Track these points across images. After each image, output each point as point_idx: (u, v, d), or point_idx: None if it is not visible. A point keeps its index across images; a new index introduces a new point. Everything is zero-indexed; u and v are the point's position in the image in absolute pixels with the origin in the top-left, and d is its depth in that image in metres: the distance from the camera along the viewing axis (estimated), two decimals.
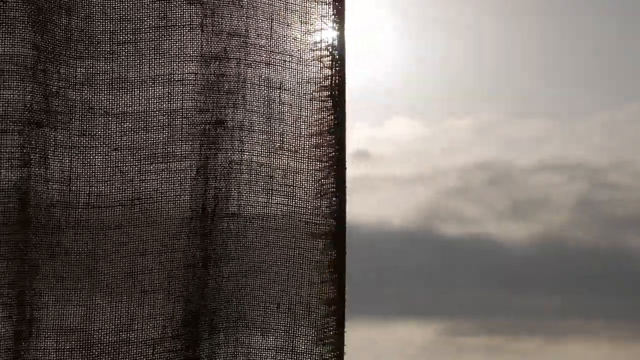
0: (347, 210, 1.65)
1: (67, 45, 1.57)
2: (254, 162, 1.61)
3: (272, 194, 1.61)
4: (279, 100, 1.62)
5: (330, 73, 1.60)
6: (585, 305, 6.37)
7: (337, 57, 1.61)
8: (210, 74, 1.60)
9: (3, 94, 1.55)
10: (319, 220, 1.62)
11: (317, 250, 1.61)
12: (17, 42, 1.55)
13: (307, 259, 1.61)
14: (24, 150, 1.55)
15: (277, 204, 1.61)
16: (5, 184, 1.54)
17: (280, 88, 1.62)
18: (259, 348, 1.62)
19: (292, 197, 1.62)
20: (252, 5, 1.61)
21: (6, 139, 1.55)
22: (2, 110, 1.55)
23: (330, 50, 1.62)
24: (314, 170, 1.62)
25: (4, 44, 1.55)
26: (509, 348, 6.31)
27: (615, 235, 6.55)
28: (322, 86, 1.62)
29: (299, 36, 1.63)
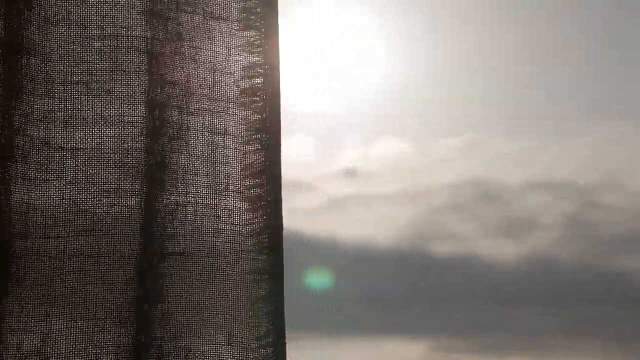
0: (282, 244, 1.74)
1: (27, 82, 1.66)
2: (199, 203, 1.70)
3: (218, 233, 1.70)
4: (223, 145, 1.71)
5: (261, 116, 1.70)
6: (574, 322, 6.42)
7: (269, 98, 1.71)
8: (156, 119, 1.69)
9: None
10: (256, 256, 1.70)
11: (253, 284, 1.70)
12: None
13: (249, 293, 1.70)
14: None
15: (222, 242, 1.70)
16: None
17: (224, 134, 1.72)
18: None
19: (235, 235, 1.71)
20: (193, 58, 1.70)
21: None
22: None
23: (261, 93, 1.72)
24: (252, 209, 1.71)
25: None
26: None
27: (603, 253, 6.60)
28: (256, 128, 1.71)
29: (240, 83, 1.72)
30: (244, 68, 1.72)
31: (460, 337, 6.74)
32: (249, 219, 1.71)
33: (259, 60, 1.73)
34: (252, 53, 1.73)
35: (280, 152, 1.72)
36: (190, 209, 1.69)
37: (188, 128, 1.70)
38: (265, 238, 1.71)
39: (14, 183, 1.65)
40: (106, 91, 1.68)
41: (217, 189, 1.70)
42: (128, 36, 1.67)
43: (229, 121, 1.72)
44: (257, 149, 1.71)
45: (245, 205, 1.71)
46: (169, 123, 1.69)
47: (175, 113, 1.69)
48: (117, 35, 1.67)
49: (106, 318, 1.66)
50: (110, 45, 1.67)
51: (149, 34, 1.68)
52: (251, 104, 1.72)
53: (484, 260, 6.60)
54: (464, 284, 6.63)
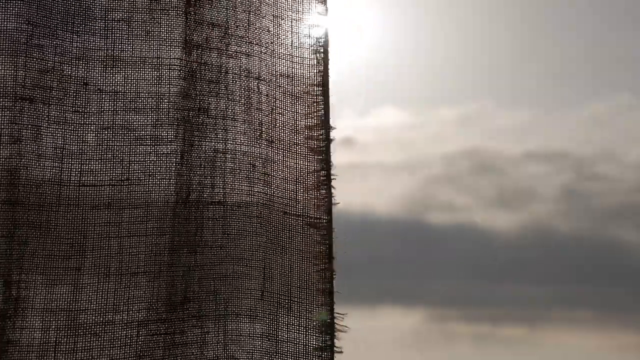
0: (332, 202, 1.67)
1: (64, 19, 1.56)
2: (238, 151, 1.61)
3: (255, 182, 1.62)
4: (258, 91, 1.63)
5: (314, 71, 1.62)
6: (571, 295, 6.38)
7: (321, 54, 1.62)
8: (193, 62, 1.59)
9: None
10: (313, 213, 1.62)
11: (312, 241, 1.62)
12: (10, 17, 1.53)
13: (298, 249, 1.61)
14: (15, 127, 1.53)
15: (259, 192, 1.61)
16: None
17: (258, 79, 1.63)
18: (247, 335, 1.62)
19: (276, 186, 1.63)
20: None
21: None
22: None
23: (314, 46, 1.63)
24: (300, 161, 1.63)
25: None
26: (495, 336, 6.32)
27: (601, 225, 6.56)
28: (310, 83, 1.63)
29: (275, 29, 1.64)
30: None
31: (455, 307, 6.67)
32: (302, 170, 1.63)
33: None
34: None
35: (329, 108, 1.64)
36: (229, 156, 1.61)
37: (227, 71, 1.61)
38: (321, 194, 1.63)
39: (46, 127, 1.55)
40: (145, 31, 1.58)
41: (254, 137, 1.62)
42: None
43: (263, 67, 1.64)
44: (313, 102, 1.64)
45: (293, 157, 1.63)
46: (208, 65, 1.60)
47: (215, 55, 1.60)
48: None
49: (139, 273, 1.58)
50: None
51: None
52: (303, 55, 1.64)
53: (481, 230, 6.53)
54: (460, 254, 6.57)
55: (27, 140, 1.53)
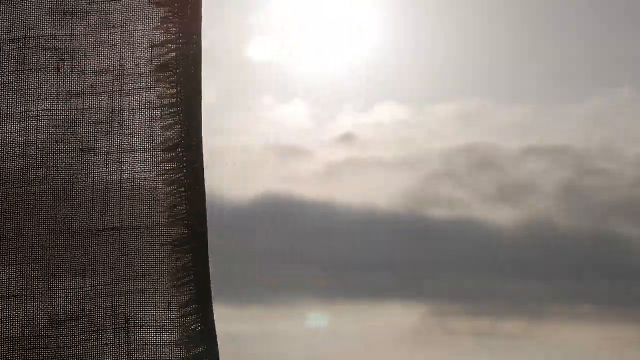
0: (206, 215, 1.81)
1: None
2: (136, 179, 1.77)
3: (141, 207, 1.78)
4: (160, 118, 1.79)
5: (174, 91, 1.77)
6: (570, 289, 6.44)
7: (180, 73, 1.77)
8: (72, 109, 1.76)
9: None
10: (167, 230, 1.78)
11: (166, 257, 1.78)
12: None
13: (159, 268, 1.78)
14: None
15: (145, 215, 1.78)
16: None
17: (160, 107, 1.79)
18: (154, 343, 1.78)
19: (145, 208, 1.79)
20: (112, 42, 1.77)
21: None
22: None
23: (175, 66, 1.79)
24: (169, 182, 1.79)
25: None
26: (494, 330, 6.40)
27: (600, 220, 6.61)
28: (170, 102, 1.78)
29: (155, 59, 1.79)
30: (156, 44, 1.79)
31: (457, 302, 6.77)
32: (169, 191, 1.79)
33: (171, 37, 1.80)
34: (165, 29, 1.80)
35: (197, 124, 1.79)
36: (123, 184, 1.77)
37: (121, 109, 1.77)
38: (183, 209, 1.79)
39: None
40: (11, 90, 1.76)
41: (144, 165, 1.78)
42: (36, 36, 1.75)
43: (148, 97, 1.80)
44: (170, 124, 1.79)
45: (163, 180, 1.79)
46: (93, 109, 1.76)
47: (104, 97, 1.76)
48: (25, 37, 1.75)
49: (10, 295, 1.75)
50: (17, 48, 1.76)
51: (60, 32, 1.75)
52: (166, 79, 1.79)
53: (481, 225, 6.63)
54: (461, 249, 6.67)
55: None
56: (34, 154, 1.77)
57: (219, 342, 1.83)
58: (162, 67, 1.78)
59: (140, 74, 1.77)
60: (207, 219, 1.81)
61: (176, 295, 1.78)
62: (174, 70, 1.78)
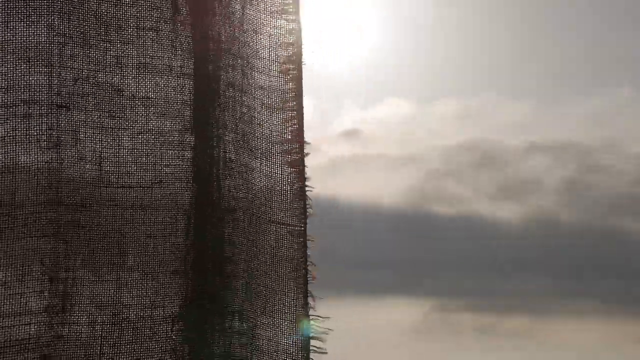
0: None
1: (97, 29, 1.63)
2: (228, 159, 1.71)
3: (239, 189, 1.71)
4: (241, 102, 1.73)
5: (288, 86, 1.71)
6: (573, 285, 6.45)
7: (294, 71, 1.71)
8: (210, 75, 1.69)
9: (29, 80, 1.61)
10: (288, 220, 1.71)
11: (287, 246, 1.70)
12: (42, 31, 1.60)
13: (272, 254, 1.70)
14: (53, 133, 1.61)
15: (242, 198, 1.70)
16: (36, 165, 1.60)
17: (241, 91, 1.72)
18: (236, 331, 1.71)
19: (254, 194, 1.71)
20: (239, 20, 1.71)
21: (32, 123, 1.60)
22: (27, 96, 1.61)
23: (287, 63, 1.72)
24: (277, 171, 1.72)
25: (29, 33, 1.61)
26: (497, 326, 6.38)
27: (603, 216, 6.62)
28: (283, 98, 1.71)
29: (254, 44, 1.73)
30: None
31: (459, 299, 6.75)
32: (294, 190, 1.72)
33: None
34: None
35: (302, 118, 1.73)
36: (239, 164, 1.70)
37: (217, 81, 1.70)
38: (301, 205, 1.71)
39: (84, 132, 1.62)
40: (170, 40, 1.67)
41: (239, 146, 1.71)
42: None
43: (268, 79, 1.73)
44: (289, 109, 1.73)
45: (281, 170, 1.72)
46: (222, 80, 1.69)
47: (210, 67, 1.69)
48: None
49: (172, 272, 1.66)
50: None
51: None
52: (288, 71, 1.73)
53: (483, 222, 6.61)
54: (463, 246, 6.64)
55: (65, 144, 1.61)
56: (189, 115, 1.69)
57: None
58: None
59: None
60: None
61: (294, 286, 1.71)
62: (289, 64, 1.72)
